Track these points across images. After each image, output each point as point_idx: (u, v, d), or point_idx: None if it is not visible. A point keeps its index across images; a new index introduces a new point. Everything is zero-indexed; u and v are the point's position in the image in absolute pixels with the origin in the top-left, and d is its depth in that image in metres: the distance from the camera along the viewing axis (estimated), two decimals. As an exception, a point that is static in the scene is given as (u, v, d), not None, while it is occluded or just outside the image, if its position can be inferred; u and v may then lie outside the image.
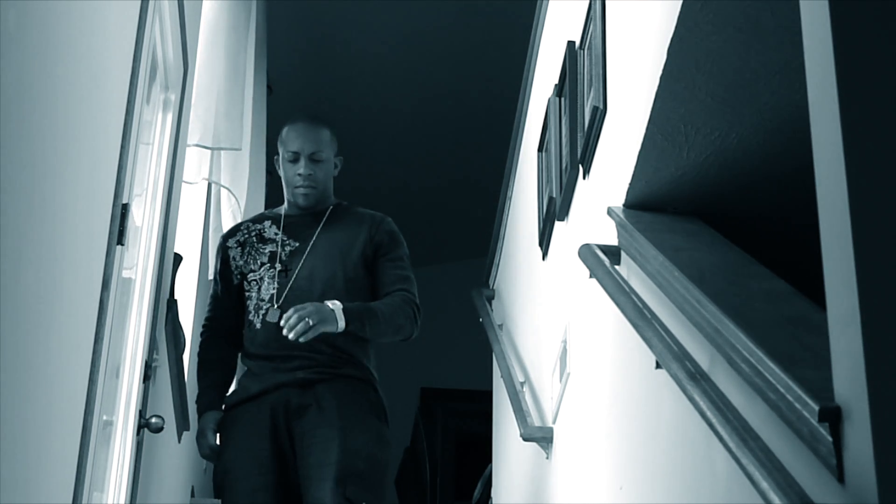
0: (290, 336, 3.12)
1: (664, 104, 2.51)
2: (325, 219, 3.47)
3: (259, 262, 3.41)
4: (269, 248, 3.42)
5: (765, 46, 2.35)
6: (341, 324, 3.18)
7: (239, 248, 3.47)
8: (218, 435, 3.33)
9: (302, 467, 3.16)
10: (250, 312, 3.36)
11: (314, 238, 3.41)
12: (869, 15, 1.51)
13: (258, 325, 3.33)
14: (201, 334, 3.50)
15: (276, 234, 3.45)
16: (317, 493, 3.09)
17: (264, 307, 3.33)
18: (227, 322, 3.44)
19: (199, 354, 3.48)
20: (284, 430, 3.21)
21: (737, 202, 2.78)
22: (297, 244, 3.42)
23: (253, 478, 3.16)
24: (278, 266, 3.38)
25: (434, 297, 3.51)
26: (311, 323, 3.12)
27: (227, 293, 3.46)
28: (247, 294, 3.40)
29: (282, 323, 3.15)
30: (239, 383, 3.36)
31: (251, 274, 3.41)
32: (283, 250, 3.40)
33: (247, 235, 3.49)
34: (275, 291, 3.34)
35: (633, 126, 2.69)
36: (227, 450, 3.24)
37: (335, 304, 3.19)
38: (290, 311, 3.15)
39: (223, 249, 3.51)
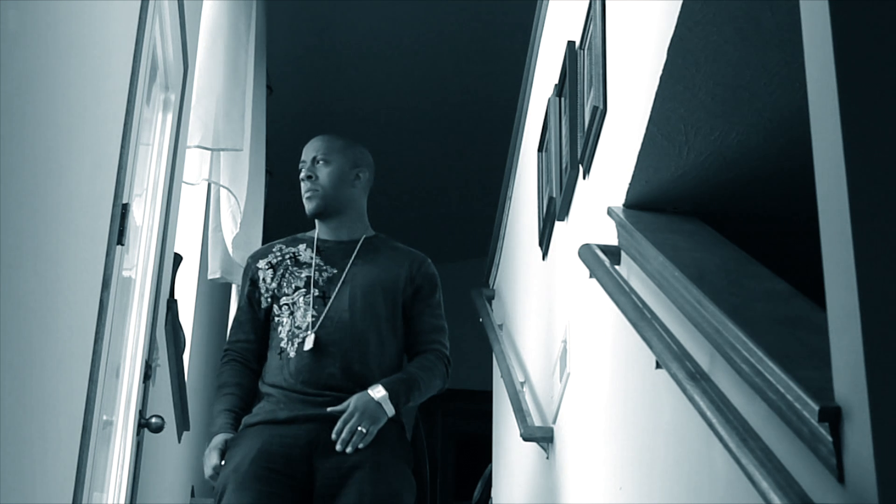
0: (348, 450, 3.02)
1: (664, 104, 2.51)
2: (358, 248, 3.32)
3: (294, 286, 3.25)
4: (305, 273, 3.27)
5: (765, 46, 2.35)
6: (390, 412, 3.10)
7: (271, 271, 3.30)
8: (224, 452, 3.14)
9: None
10: (282, 340, 3.19)
11: (349, 267, 3.27)
12: (869, 15, 1.51)
13: (292, 354, 3.16)
14: (222, 359, 3.31)
15: (312, 258, 3.30)
16: None
17: (301, 335, 3.18)
18: (251, 347, 3.27)
19: (219, 378, 3.29)
20: (305, 462, 3.04)
21: (737, 202, 2.78)
22: (335, 271, 3.27)
23: (255, 493, 2.98)
24: (315, 292, 3.24)
25: (434, 297, 3.46)
26: (364, 432, 3.04)
27: (253, 318, 3.29)
28: (277, 319, 3.24)
29: (333, 436, 3.04)
30: (261, 408, 3.15)
31: (284, 298, 3.25)
32: (321, 276, 3.26)
33: (280, 258, 3.32)
34: (312, 319, 3.19)
35: (633, 126, 2.69)
36: (237, 456, 3.06)
37: (380, 395, 3.09)
38: (339, 424, 3.04)
39: (252, 271, 3.34)
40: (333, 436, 3.04)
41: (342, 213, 3.35)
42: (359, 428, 3.04)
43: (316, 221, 3.37)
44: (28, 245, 1.82)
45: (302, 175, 3.34)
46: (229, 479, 3.01)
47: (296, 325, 3.20)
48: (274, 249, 3.36)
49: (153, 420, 3.19)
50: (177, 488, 4.62)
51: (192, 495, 5.24)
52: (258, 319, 3.29)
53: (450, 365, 3.33)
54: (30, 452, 1.93)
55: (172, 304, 3.81)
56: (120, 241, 2.60)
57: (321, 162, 3.34)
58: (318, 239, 3.35)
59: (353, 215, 3.37)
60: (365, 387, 3.12)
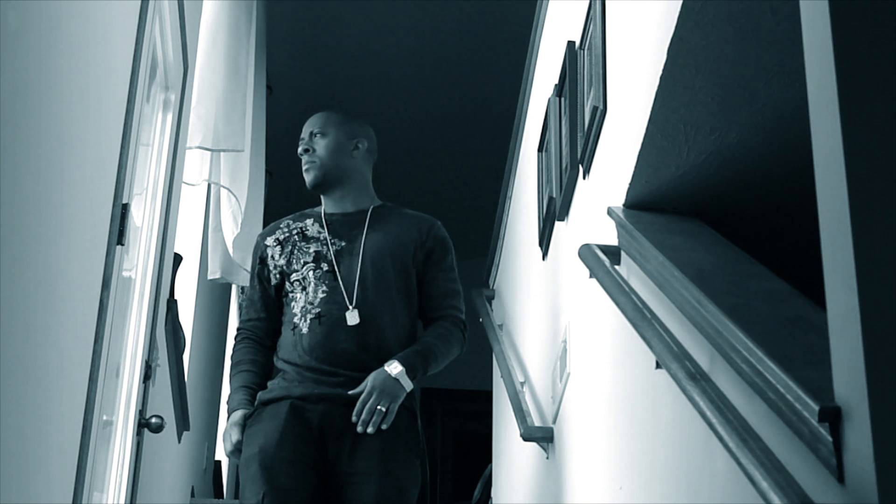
0: (370, 430, 3.03)
1: (664, 104, 2.51)
2: (368, 219, 3.30)
3: (303, 261, 3.24)
4: (313, 248, 3.25)
5: (765, 46, 2.35)
6: (409, 387, 3.09)
7: (279, 247, 3.29)
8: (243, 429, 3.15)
9: (336, 493, 3.03)
10: (296, 315, 3.18)
11: (362, 239, 3.25)
12: (869, 15, 1.51)
13: (305, 329, 3.15)
14: (235, 338, 3.32)
15: (320, 232, 3.28)
16: None
17: (314, 311, 3.16)
18: (263, 325, 3.28)
19: (233, 357, 3.30)
20: (320, 442, 3.05)
21: (737, 202, 2.78)
22: (344, 244, 3.25)
23: (284, 476, 2.99)
24: (325, 266, 3.22)
25: (434, 297, 3.45)
26: (384, 410, 3.03)
27: (264, 295, 3.29)
28: (290, 295, 3.22)
29: (353, 418, 3.04)
30: (276, 384, 3.16)
31: (294, 274, 3.23)
32: (329, 250, 3.24)
33: (287, 234, 3.31)
34: (325, 295, 3.17)
35: (633, 126, 2.69)
36: (259, 435, 3.06)
37: (396, 370, 3.08)
38: (358, 406, 3.04)
39: (261, 249, 3.33)
40: (354, 417, 3.04)
41: (343, 184, 3.35)
42: (378, 407, 3.04)
43: (321, 196, 3.37)
44: (28, 245, 1.82)
45: (300, 150, 3.35)
46: (255, 459, 3.02)
47: (308, 300, 3.19)
48: (281, 226, 3.36)
49: (153, 420, 3.19)
50: (177, 488, 4.62)
51: (192, 495, 5.24)
52: (269, 297, 3.29)
53: (466, 329, 3.33)
54: (30, 452, 1.93)
55: (172, 304, 3.81)
56: (120, 241, 2.60)
57: (318, 135, 3.35)
58: (324, 213, 3.34)
59: (356, 186, 3.36)
60: (381, 359, 3.12)
